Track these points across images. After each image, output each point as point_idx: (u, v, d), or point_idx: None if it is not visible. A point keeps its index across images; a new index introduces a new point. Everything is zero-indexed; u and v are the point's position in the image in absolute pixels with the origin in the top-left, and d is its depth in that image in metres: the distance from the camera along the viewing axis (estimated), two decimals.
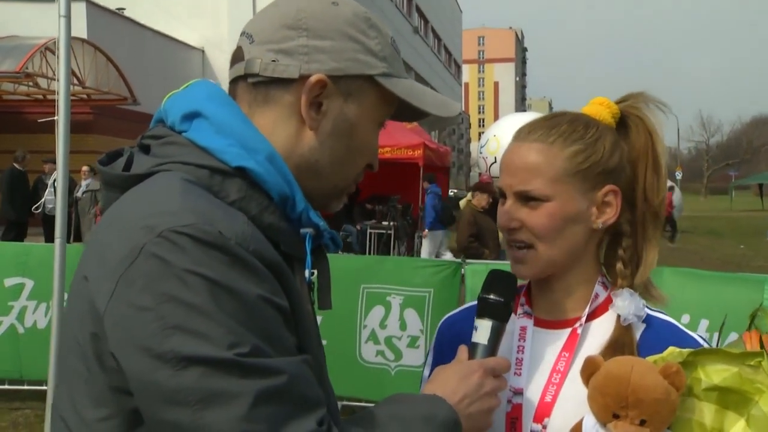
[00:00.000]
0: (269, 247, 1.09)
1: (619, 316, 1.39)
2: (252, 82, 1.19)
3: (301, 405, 1.01)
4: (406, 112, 1.28)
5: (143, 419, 1.01)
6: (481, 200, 9.28)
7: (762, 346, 1.30)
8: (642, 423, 1.24)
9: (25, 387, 6.12)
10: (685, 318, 4.17)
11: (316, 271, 1.25)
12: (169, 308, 0.96)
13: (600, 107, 1.48)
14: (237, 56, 1.22)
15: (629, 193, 1.45)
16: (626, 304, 1.39)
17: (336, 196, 1.28)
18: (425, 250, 13.94)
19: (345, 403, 5.25)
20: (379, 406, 1.16)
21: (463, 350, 1.33)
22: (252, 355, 0.97)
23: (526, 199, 1.40)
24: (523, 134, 1.45)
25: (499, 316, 1.36)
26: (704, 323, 4.20)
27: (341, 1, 1.22)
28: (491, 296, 1.37)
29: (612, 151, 1.43)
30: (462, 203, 10.90)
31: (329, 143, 1.20)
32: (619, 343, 1.37)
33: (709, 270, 5.35)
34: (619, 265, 1.45)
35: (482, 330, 1.35)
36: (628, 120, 1.48)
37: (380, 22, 1.25)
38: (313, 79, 1.16)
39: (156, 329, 0.96)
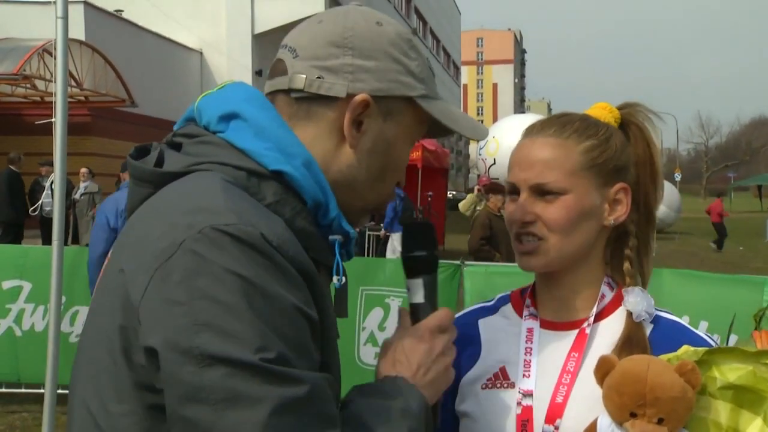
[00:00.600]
0: (304, 254, 1.09)
1: (629, 314, 1.40)
2: (295, 97, 1.20)
3: (318, 420, 1.00)
4: (436, 131, 1.31)
5: (165, 416, 1.01)
6: (497, 202, 9.01)
7: None
8: (659, 421, 1.24)
9: (23, 390, 6.11)
10: (685, 319, 4.15)
11: (344, 279, 1.24)
12: (201, 305, 0.97)
13: (603, 111, 1.50)
14: (279, 69, 1.23)
15: (635, 192, 1.47)
16: (638, 300, 1.40)
17: (366, 213, 1.30)
18: (389, 250, 13.84)
19: None
20: (358, 401, 1.15)
21: (405, 316, 1.31)
22: (277, 362, 0.97)
23: (542, 192, 1.41)
24: (535, 130, 1.47)
25: (428, 270, 1.33)
26: (704, 324, 4.19)
27: (385, 21, 1.24)
28: (414, 253, 1.34)
29: (622, 149, 1.46)
30: (462, 205, 10.87)
31: (366, 161, 1.22)
32: (632, 340, 1.37)
33: (708, 271, 5.35)
34: (626, 264, 1.46)
35: (416, 289, 1.32)
36: (628, 128, 1.50)
37: (419, 44, 1.28)
38: (358, 98, 1.18)
39: (186, 324, 0.96)
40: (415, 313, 1.31)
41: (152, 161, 1.19)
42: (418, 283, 1.32)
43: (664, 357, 1.29)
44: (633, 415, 1.25)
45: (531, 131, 1.48)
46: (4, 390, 6.21)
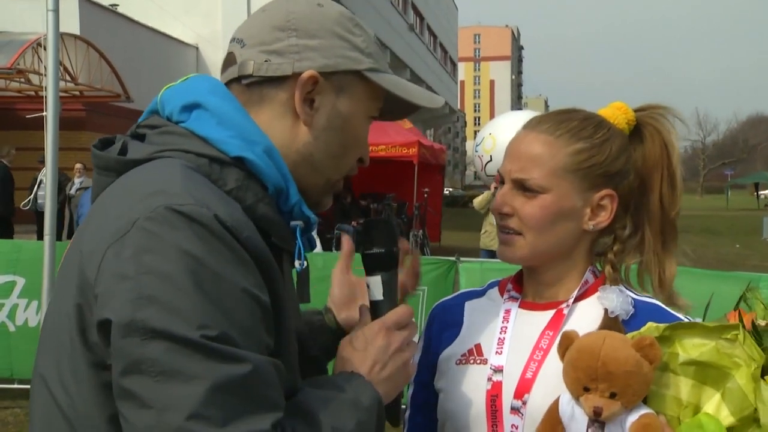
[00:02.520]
0: (260, 239, 1.11)
1: (605, 312, 1.40)
2: (246, 83, 1.23)
3: (259, 402, 1.00)
4: (394, 107, 1.34)
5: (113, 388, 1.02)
6: None
7: (741, 321, 1.29)
8: (612, 396, 1.23)
9: (15, 386, 6.07)
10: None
11: (306, 263, 1.25)
12: (148, 279, 0.98)
13: (617, 112, 1.49)
14: (229, 61, 1.26)
15: (627, 199, 1.46)
16: (614, 297, 1.41)
17: (328, 191, 1.32)
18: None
19: None
20: (308, 391, 1.15)
21: (364, 312, 1.33)
22: (219, 340, 0.98)
23: (523, 188, 1.42)
24: (532, 123, 1.48)
25: (386, 267, 1.34)
26: (698, 321, 4.17)
27: (326, 2, 1.27)
28: (373, 250, 1.34)
29: (617, 156, 1.44)
30: (479, 202, 10.85)
31: (323, 137, 1.25)
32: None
33: (704, 269, 5.34)
34: (608, 268, 1.47)
35: (375, 286, 1.33)
36: (644, 130, 1.49)
37: (363, 22, 1.30)
38: (305, 75, 1.20)
39: (132, 298, 0.98)
40: (374, 310, 1.32)
41: (116, 151, 1.20)
42: (377, 281, 1.33)
43: (629, 334, 1.29)
44: (587, 390, 1.25)
45: (529, 123, 1.49)
46: None
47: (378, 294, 1.32)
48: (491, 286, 1.61)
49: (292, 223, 1.21)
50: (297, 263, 1.23)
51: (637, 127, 1.49)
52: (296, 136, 1.23)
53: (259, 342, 1.05)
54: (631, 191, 1.46)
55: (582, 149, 1.41)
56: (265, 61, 1.21)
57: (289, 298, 1.19)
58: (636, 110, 1.51)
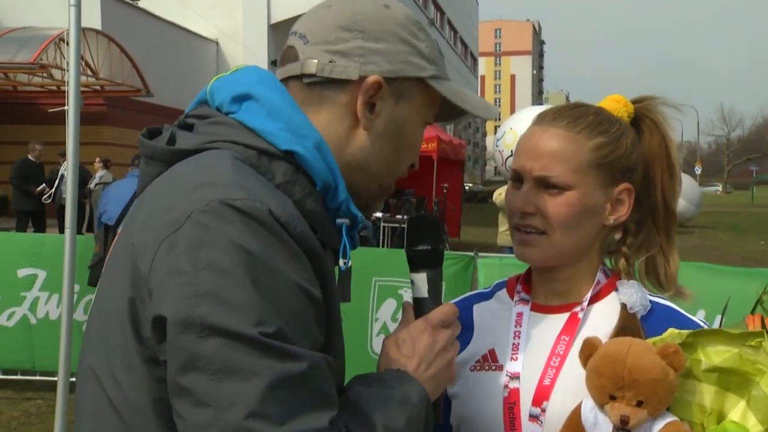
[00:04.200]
0: (312, 233, 1.10)
1: (624, 306, 1.39)
2: (307, 83, 1.21)
3: (315, 399, 1.00)
4: (448, 113, 1.32)
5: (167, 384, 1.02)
6: None
7: (764, 327, 1.27)
8: (639, 404, 1.22)
9: (38, 378, 6.15)
10: (701, 313, 4.10)
11: (350, 262, 1.24)
12: (204, 275, 0.97)
13: (617, 105, 1.47)
14: (289, 56, 1.24)
15: (639, 193, 1.45)
16: (633, 292, 1.39)
17: (380, 195, 1.31)
18: None
19: None
20: (357, 389, 1.15)
21: (408, 310, 1.31)
22: (276, 337, 0.97)
23: (547, 186, 1.39)
24: (547, 120, 1.44)
25: (432, 264, 1.32)
26: (719, 319, 4.13)
27: (392, 3, 1.25)
28: (420, 247, 1.33)
29: (632, 149, 1.43)
30: (500, 197, 10.81)
31: (379, 143, 1.23)
32: (626, 330, 1.36)
33: (729, 266, 5.28)
34: (622, 261, 1.45)
35: (419, 283, 1.31)
36: (642, 122, 1.48)
37: (427, 26, 1.28)
38: (370, 80, 1.19)
39: (188, 293, 0.97)
40: (418, 308, 1.30)
41: (164, 141, 1.19)
42: (422, 278, 1.31)
43: (650, 340, 1.27)
44: (612, 398, 1.23)
45: (543, 119, 1.45)
46: (19, 377, 6.25)
47: (423, 291, 1.31)
48: (498, 287, 1.58)
49: (338, 220, 1.20)
50: (342, 262, 1.21)
51: (635, 119, 1.48)
52: (353, 140, 1.21)
53: (313, 338, 1.05)
54: (643, 182, 1.45)
55: (603, 143, 1.39)
56: (330, 61, 1.19)
57: (336, 294, 1.18)
58: (633, 102, 1.49)
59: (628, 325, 1.36)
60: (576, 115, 1.42)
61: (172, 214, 1.03)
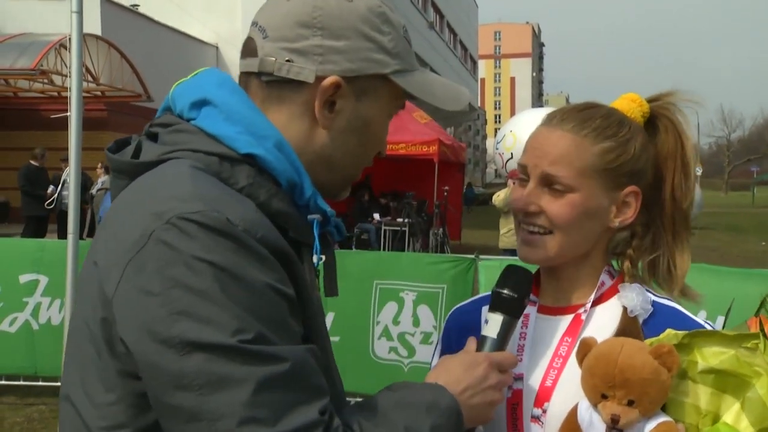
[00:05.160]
0: (277, 234, 1.10)
1: (624, 310, 1.39)
2: (265, 81, 1.20)
3: (304, 393, 1.02)
4: (420, 101, 1.30)
5: (151, 403, 1.03)
6: None
7: (762, 329, 1.27)
8: (630, 404, 1.22)
9: (40, 383, 6.14)
10: (702, 314, 4.08)
11: (324, 257, 1.25)
12: (176, 294, 0.98)
13: (632, 104, 1.46)
14: (249, 49, 1.22)
15: (647, 195, 1.44)
16: (634, 295, 1.39)
17: (346, 185, 1.30)
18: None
19: (358, 399, 5.23)
20: (382, 393, 1.17)
21: (471, 341, 1.34)
22: (256, 341, 0.99)
23: (550, 184, 1.39)
24: (555, 121, 1.43)
25: (512, 312, 1.35)
26: (721, 320, 4.13)
27: None
28: (505, 291, 1.36)
29: (641, 153, 1.42)
30: (501, 200, 10.78)
31: (342, 139, 1.22)
32: (626, 333, 1.36)
33: (730, 267, 5.28)
34: (627, 263, 1.45)
35: (493, 324, 1.34)
36: (658, 121, 1.46)
37: (392, 14, 1.25)
38: (327, 81, 1.17)
39: (162, 314, 0.98)
40: (481, 344, 1.33)
41: (130, 153, 1.19)
42: (497, 320, 1.35)
43: (647, 341, 1.27)
44: (604, 397, 1.24)
45: (551, 120, 1.45)
46: (22, 383, 6.23)
47: (493, 332, 1.33)
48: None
49: (310, 216, 1.19)
50: (315, 257, 1.21)
51: (651, 117, 1.47)
52: (313, 138, 1.21)
53: (292, 332, 1.06)
54: (650, 186, 1.44)
55: (609, 149, 1.39)
56: (287, 60, 1.17)
57: (313, 290, 1.18)
58: (649, 101, 1.48)
59: (628, 328, 1.36)
60: (584, 118, 1.42)
61: (133, 234, 1.03)
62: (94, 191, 14.47)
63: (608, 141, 1.39)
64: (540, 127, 1.46)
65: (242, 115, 1.16)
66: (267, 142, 1.15)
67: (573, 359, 1.35)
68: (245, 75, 1.23)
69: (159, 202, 1.05)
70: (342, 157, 1.23)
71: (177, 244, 1.00)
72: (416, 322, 5.32)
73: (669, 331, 1.27)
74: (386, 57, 1.21)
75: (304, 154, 1.19)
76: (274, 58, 1.18)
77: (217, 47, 26.80)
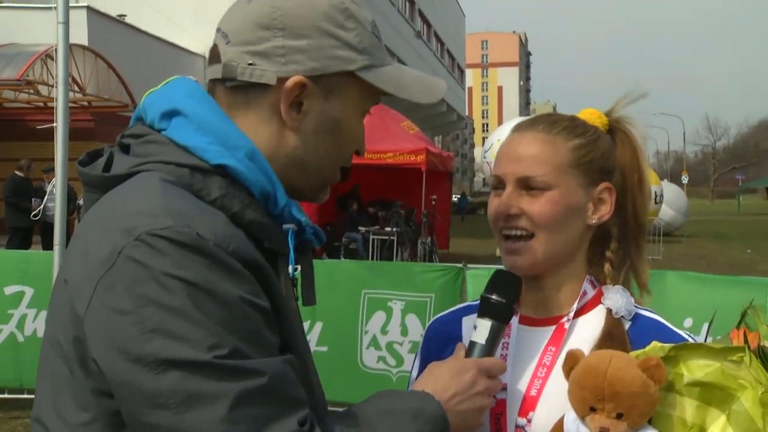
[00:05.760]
0: (250, 246, 1.09)
1: (609, 311, 1.41)
2: (230, 86, 1.18)
3: (282, 405, 1.01)
4: (393, 97, 1.28)
5: (126, 422, 1.01)
6: None
7: (746, 342, 1.28)
8: (619, 416, 1.22)
9: (25, 396, 6.08)
10: (688, 322, 4.14)
11: (299, 267, 1.23)
12: (148, 312, 0.97)
13: (591, 117, 1.51)
14: (214, 56, 1.21)
15: (621, 199, 1.47)
16: (618, 297, 1.41)
17: (324, 187, 1.28)
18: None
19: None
20: (368, 400, 1.17)
21: (460, 348, 1.34)
22: (231, 356, 0.98)
23: (528, 186, 1.41)
24: (524, 126, 1.48)
25: (500, 317, 1.35)
26: (705, 327, 4.15)
27: None
28: (493, 296, 1.36)
29: (609, 152, 1.47)
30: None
31: (313, 141, 1.20)
32: (612, 335, 1.38)
33: (716, 274, 5.31)
34: (608, 266, 1.47)
35: (481, 329, 1.34)
36: (615, 135, 1.51)
37: (358, 9, 1.22)
38: (290, 82, 1.15)
39: (135, 333, 0.96)
40: (470, 350, 1.33)
41: (101, 166, 1.18)
42: (486, 325, 1.34)
43: (633, 353, 1.28)
44: (593, 410, 1.24)
45: (520, 127, 1.49)
46: (6, 396, 6.17)
47: (481, 337, 1.33)
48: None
49: (285, 226, 1.17)
50: (290, 268, 1.19)
51: (609, 131, 1.51)
52: (284, 141, 1.18)
53: (269, 344, 1.05)
54: (621, 189, 1.48)
55: (581, 144, 1.43)
56: (250, 64, 1.15)
57: (290, 300, 1.17)
58: (606, 114, 1.52)
59: (614, 330, 1.38)
60: (552, 120, 1.47)
61: (103, 251, 1.02)
62: (80, 202, 14.40)
63: (579, 138, 1.44)
64: (510, 135, 1.49)
65: (213, 125, 1.14)
66: (238, 152, 1.13)
67: (557, 369, 1.36)
68: (212, 82, 1.21)
69: (128, 217, 1.03)
70: (315, 158, 1.21)
71: (147, 261, 0.99)
72: (404, 332, 5.31)
73: (655, 344, 1.28)
74: (352, 53, 1.19)
75: (276, 159, 1.18)
76: (236, 63, 1.16)
77: (204, 57, 26.73)
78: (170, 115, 1.16)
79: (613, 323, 1.39)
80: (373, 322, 5.37)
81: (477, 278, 5.14)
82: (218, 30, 1.21)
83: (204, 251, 1.01)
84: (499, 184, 1.45)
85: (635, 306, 1.44)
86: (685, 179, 54.29)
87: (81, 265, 1.04)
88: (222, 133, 1.14)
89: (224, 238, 1.04)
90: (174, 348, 0.96)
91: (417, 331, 5.27)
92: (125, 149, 1.19)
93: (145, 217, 1.02)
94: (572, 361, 1.29)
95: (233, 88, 1.18)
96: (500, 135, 14.91)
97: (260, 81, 1.15)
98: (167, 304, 0.97)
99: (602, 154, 1.45)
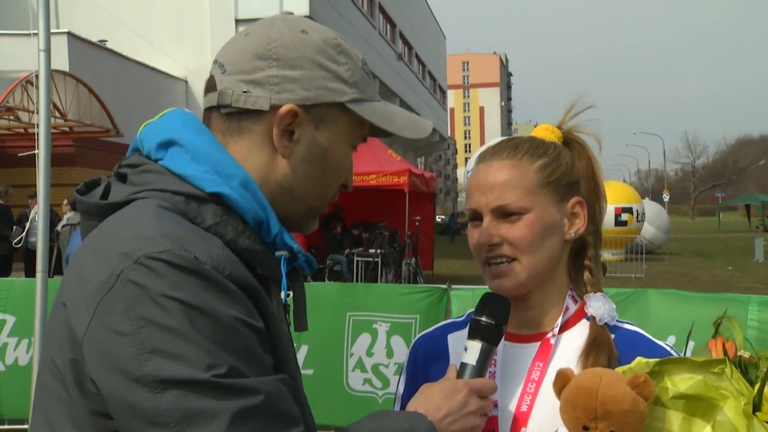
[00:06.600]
0: (244, 271, 1.11)
1: (593, 319, 1.44)
2: (225, 113, 1.22)
3: (278, 422, 1.03)
4: (380, 131, 1.32)
5: None
6: None
7: (725, 353, 1.32)
8: None
9: (6, 426, 5.99)
10: (671, 339, 4.16)
11: (291, 293, 1.27)
12: (146, 332, 0.99)
13: (546, 132, 1.55)
14: (210, 85, 1.25)
15: (588, 207, 1.52)
16: (600, 304, 1.44)
17: (312, 217, 1.31)
18: None
19: None
20: (361, 421, 1.19)
21: (452, 369, 1.36)
22: (229, 375, 1.00)
23: (505, 214, 1.44)
24: (488, 155, 1.51)
25: (490, 339, 1.38)
26: (690, 344, 4.17)
27: (310, 28, 1.25)
28: (483, 318, 1.39)
29: (572, 165, 1.51)
30: None
31: (303, 168, 1.24)
32: (598, 342, 1.41)
33: (698, 292, 5.36)
34: (587, 274, 1.51)
35: (472, 351, 1.37)
36: (571, 147, 1.55)
37: (350, 47, 1.28)
38: (283, 110, 1.19)
39: (134, 353, 0.98)
40: (461, 372, 1.35)
41: (98, 194, 1.21)
42: (476, 347, 1.37)
43: (619, 369, 1.31)
44: (586, 429, 1.26)
45: (484, 157, 1.52)
46: None
47: (472, 359, 1.36)
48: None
49: (277, 253, 1.21)
50: (282, 294, 1.22)
51: (565, 143, 1.55)
52: (275, 168, 1.22)
53: (263, 364, 1.07)
54: (587, 197, 1.52)
55: (546, 164, 1.47)
56: (244, 91, 1.20)
57: (282, 325, 1.20)
58: (558, 126, 1.57)
59: (599, 336, 1.41)
60: (514, 145, 1.50)
61: (102, 274, 1.04)
62: (59, 228, 14.26)
63: (542, 158, 1.47)
64: (476, 167, 1.52)
65: (208, 154, 1.18)
66: (233, 181, 1.17)
67: (546, 384, 1.38)
68: (207, 111, 1.25)
69: (126, 242, 1.06)
70: (304, 187, 1.24)
71: (145, 282, 1.01)
72: (390, 354, 5.30)
73: (640, 360, 1.31)
74: (342, 86, 1.23)
75: (266, 185, 1.21)
76: (231, 90, 1.20)
77: (186, 81, 26.78)
78: (166, 145, 1.19)
79: (598, 330, 1.42)
80: (359, 345, 5.36)
81: (461, 299, 5.15)
82: (215, 62, 1.26)
83: (201, 273, 1.03)
84: (475, 215, 1.49)
85: (617, 321, 1.47)
86: (666, 197, 54.75)
87: (79, 288, 1.06)
88: (216, 162, 1.18)
89: (220, 262, 1.07)
90: (172, 367, 0.98)
91: (402, 352, 5.26)
92: (122, 178, 1.22)
93: (143, 241, 1.05)
94: (563, 380, 1.31)
95: (228, 115, 1.22)
96: None
97: (254, 107, 1.20)
98: (165, 324, 0.99)
99: (567, 168, 1.48)
